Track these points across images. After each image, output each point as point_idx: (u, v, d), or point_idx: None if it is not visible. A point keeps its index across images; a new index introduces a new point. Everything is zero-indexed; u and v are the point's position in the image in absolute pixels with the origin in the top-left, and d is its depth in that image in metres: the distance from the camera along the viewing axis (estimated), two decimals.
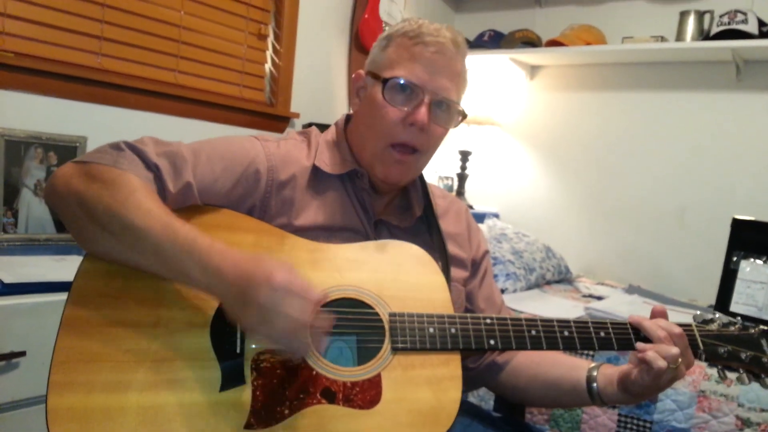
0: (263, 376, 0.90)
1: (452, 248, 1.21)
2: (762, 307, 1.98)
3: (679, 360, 0.97)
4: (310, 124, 2.71)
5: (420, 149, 1.09)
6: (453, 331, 0.99)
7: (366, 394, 0.92)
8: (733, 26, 2.46)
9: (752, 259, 2.03)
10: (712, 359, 1.04)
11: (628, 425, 1.72)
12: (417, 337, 0.97)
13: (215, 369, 0.88)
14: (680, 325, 1.04)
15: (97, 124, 1.93)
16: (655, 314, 1.06)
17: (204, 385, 0.87)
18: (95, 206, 0.87)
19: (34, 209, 1.76)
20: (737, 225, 2.08)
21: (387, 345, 0.96)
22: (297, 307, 0.82)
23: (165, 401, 0.84)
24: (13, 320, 1.31)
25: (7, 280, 1.36)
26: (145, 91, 2.07)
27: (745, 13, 2.45)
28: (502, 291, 2.34)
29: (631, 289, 2.39)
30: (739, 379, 1.05)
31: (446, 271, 1.13)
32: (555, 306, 2.22)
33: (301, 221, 1.06)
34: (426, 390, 0.94)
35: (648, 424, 1.69)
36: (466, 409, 1.19)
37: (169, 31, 2.16)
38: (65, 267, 1.54)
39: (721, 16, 2.52)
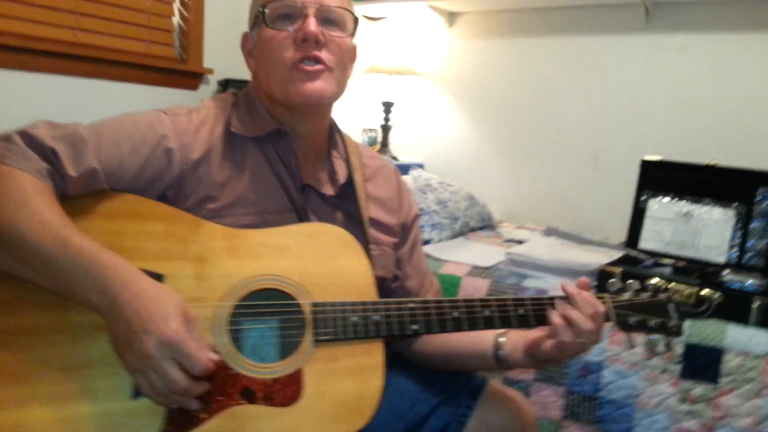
0: None
1: (380, 213, 1.19)
2: (669, 242, 2.10)
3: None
4: (226, 81, 2.63)
5: (326, 62, 1.04)
6: (376, 318, 0.98)
7: (287, 391, 0.90)
8: None
9: (660, 198, 2.14)
10: (624, 329, 1.07)
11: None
12: (340, 327, 0.95)
13: (126, 375, 0.82)
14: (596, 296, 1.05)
15: None
16: (580, 286, 1.06)
17: (115, 392, 0.83)
18: None
19: None
20: (646, 165, 2.18)
21: (309, 337, 0.94)
22: (176, 373, 0.77)
23: (74, 413, 0.80)
24: None
25: None
26: (44, 52, 1.94)
27: None
28: (428, 242, 2.39)
29: (549, 232, 2.48)
30: (646, 344, 1.08)
31: (365, 243, 1.12)
32: (478, 252, 2.28)
33: (221, 200, 1.02)
34: (349, 381, 0.93)
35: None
36: None
37: None
38: None
39: None
